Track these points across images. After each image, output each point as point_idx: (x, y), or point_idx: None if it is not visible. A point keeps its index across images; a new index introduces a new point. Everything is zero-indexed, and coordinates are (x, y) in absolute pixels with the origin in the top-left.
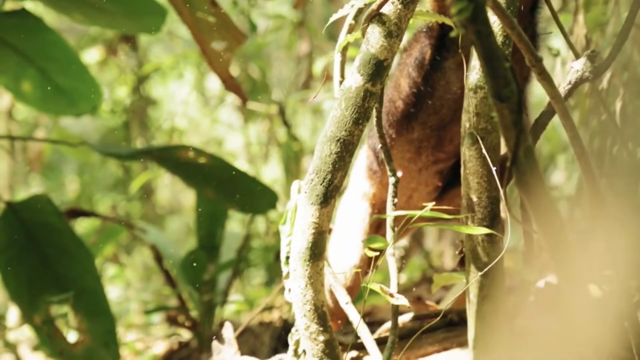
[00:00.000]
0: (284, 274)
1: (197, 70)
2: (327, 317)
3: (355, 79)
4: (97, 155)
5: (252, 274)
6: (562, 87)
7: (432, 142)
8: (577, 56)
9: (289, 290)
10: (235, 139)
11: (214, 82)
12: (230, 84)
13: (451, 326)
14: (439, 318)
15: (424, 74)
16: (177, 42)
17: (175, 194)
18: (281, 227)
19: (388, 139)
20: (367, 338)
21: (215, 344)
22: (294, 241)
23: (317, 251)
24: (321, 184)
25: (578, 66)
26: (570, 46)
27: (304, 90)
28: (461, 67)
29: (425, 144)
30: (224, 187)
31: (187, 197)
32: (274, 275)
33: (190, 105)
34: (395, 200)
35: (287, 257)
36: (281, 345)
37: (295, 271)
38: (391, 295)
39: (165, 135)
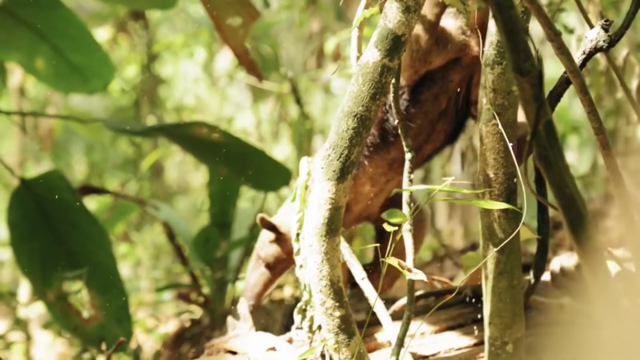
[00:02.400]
0: (294, 251)
1: (207, 49)
2: (343, 292)
3: (372, 54)
4: (107, 134)
5: None
6: (577, 58)
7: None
8: (591, 28)
9: (300, 266)
10: (245, 117)
11: (223, 62)
12: (245, 60)
13: (466, 302)
14: (453, 294)
15: (404, 110)
16: (186, 22)
17: (182, 174)
18: (291, 205)
19: (367, 152)
20: (383, 314)
21: (230, 319)
22: (310, 217)
23: (333, 227)
24: (338, 160)
25: (592, 35)
26: (586, 18)
27: (315, 69)
28: (437, 98)
29: (398, 163)
30: (237, 164)
31: (195, 177)
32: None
33: (200, 84)
34: (412, 176)
35: (297, 235)
36: (293, 322)
37: (312, 247)
38: (409, 270)
39: (175, 114)
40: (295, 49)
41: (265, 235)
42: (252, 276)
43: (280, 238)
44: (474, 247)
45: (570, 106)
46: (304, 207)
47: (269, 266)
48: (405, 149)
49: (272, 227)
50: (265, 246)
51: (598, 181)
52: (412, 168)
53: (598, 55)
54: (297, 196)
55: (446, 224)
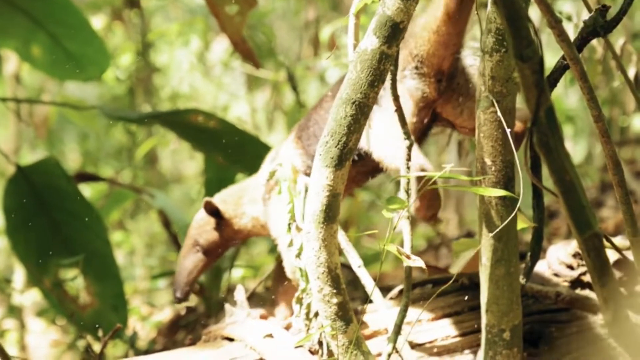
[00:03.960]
0: (287, 242)
1: (202, 38)
2: (341, 279)
3: (371, 41)
4: (102, 122)
5: (258, 240)
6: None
7: (371, 170)
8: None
9: (296, 256)
10: (239, 106)
11: (217, 51)
12: (242, 48)
13: (463, 290)
14: (450, 282)
15: None
16: (181, 10)
17: (176, 163)
18: (278, 197)
19: None
20: (380, 302)
21: (228, 306)
22: (308, 203)
23: (331, 214)
24: (336, 147)
25: (589, 21)
26: (585, 3)
27: (310, 57)
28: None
29: (354, 181)
30: (233, 151)
31: (188, 166)
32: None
33: (195, 73)
34: (410, 163)
35: (289, 225)
36: None
37: (309, 234)
38: (407, 257)
39: (169, 103)
40: (290, 37)
41: (204, 220)
42: (188, 262)
43: (221, 223)
44: (469, 235)
45: (565, 95)
46: (293, 198)
47: (206, 252)
48: (404, 136)
49: (216, 213)
50: (204, 232)
51: (593, 171)
52: (409, 155)
53: (595, 43)
54: (285, 187)
55: (441, 212)
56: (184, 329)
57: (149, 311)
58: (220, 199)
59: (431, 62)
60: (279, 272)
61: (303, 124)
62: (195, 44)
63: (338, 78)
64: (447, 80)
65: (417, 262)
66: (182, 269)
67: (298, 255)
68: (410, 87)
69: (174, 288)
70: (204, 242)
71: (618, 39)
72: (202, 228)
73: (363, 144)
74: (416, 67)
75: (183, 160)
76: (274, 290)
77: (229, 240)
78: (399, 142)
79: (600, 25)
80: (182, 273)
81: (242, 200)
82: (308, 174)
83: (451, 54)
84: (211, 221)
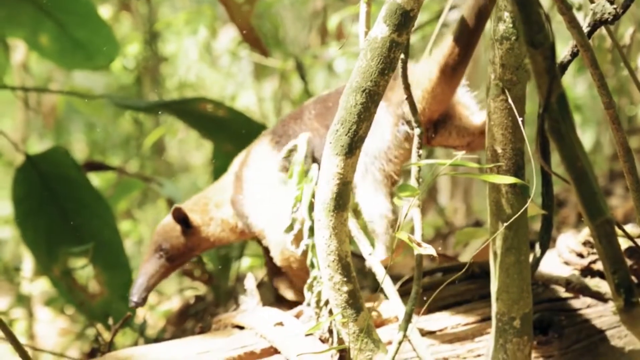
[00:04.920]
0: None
1: (210, 27)
2: (351, 267)
3: (381, 29)
4: (109, 111)
5: None
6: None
7: None
8: None
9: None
10: (247, 95)
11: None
12: (250, 36)
13: (473, 278)
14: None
15: None
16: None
17: (183, 153)
18: (288, 181)
19: None
20: (390, 290)
21: (242, 297)
22: (318, 192)
23: (341, 202)
24: (346, 135)
25: (598, 8)
26: None
27: (317, 46)
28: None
29: None
30: (241, 139)
31: (195, 156)
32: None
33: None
34: (420, 151)
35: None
36: None
37: (320, 222)
38: (419, 245)
39: (177, 93)
40: (296, 27)
41: (171, 227)
42: (149, 267)
43: (188, 232)
44: (477, 224)
45: (572, 85)
46: (303, 184)
47: (170, 258)
48: (414, 124)
49: (184, 220)
50: (170, 238)
51: (601, 160)
52: (421, 144)
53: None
54: (295, 173)
55: (449, 201)
56: (193, 317)
57: (156, 300)
58: (187, 208)
59: (424, 116)
60: (271, 266)
61: (280, 131)
62: (203, 33)
63: (315, 98)
64: (438, 124)
65: (429, 250)
66: (143, 274)
67: (309, 238)
68: (400, 133)
69: (132, 292)
70: (168, 249)
71: (627, 28)
72: (168, 234)
73: None
74: (408, 122)
75: (190, 150)
76: (273, 284)
77: (194, 249)
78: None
79: (608, 12)
80: (142, 277)
81: (209, 206)
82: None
83: (444, 107)
84: (178, 228)
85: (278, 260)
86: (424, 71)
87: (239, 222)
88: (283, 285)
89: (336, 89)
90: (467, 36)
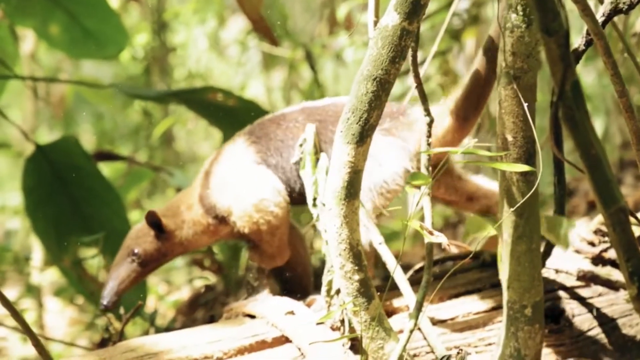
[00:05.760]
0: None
1: (218, 17)
2: (363, 256)
3: (392, 17)
4: (118, 101)
5: None
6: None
7: None
8: None
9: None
10: (255, 85)
11: (233, 30)
12: (260, 25)
13: (484, 267)
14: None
15: None
16: None
17: (191, 144)
18: (302, 173)
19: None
20: (401, 279)
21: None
22: (329, 180)
23: (352, 190)
24: (357, 123)
25: None
26: None
27: (325, 36)
28: None
29: None
30: None
31: (204, 147)
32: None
33: (211, 52)
34: (430, 140)
35: (314, 200)
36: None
37: (331, 210)
38: (430, 233)
39: (185, 83)
40: (304, 17)
41: (144, 232)
42: (121, 271)
43: (162, 236)
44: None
45: (581, 74)
46: (315, 172)
47: (142, 263)
48: (424, 112)
49: (158, 225)
50: (143, 242)
51: (610, 149)
52: (430, 133)
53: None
54: (307, 162)
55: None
56: (203, 307)
57: (166, 290)
58: (160, 213)
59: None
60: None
61: (259, 132)
62: (211, 23)
63: (300, 106)
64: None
65: (440, 238)
66: (114, 278)
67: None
68: (401, 170)
69: (102, 295)
70: (141, 254)
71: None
72: (141, 239)
73: None
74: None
75: (198, 141)
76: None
77: (167, 254)
78: None
79: (623, 1)
80: (113, 281)
81: (180, 209)
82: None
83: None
84: (151, 233)
85: (246, 228)
86: (435, 116)
87: (209, 218)
88: (256, 256)
89: (323, 103)
90: (480, 87)
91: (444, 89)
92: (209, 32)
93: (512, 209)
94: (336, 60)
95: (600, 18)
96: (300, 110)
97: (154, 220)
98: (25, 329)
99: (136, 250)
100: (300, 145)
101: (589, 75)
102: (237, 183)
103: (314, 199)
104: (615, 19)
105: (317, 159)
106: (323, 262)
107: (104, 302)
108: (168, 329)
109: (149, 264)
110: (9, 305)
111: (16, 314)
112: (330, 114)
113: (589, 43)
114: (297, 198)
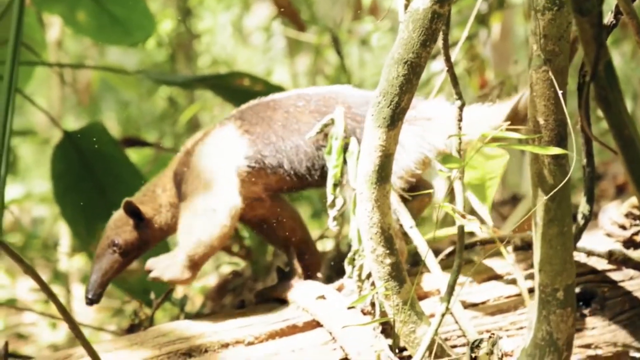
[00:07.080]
0: (329, 202)
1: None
2: (394, 240)
3: (422, 0)
4: (144, 88)
5: (304, 204)
6: None
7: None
8: None
9: (333, 219)
10: (280, 72)
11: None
12: (288, 10)
13: (515, 250)
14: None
15: None
16: None
17: None
18: (327, 157)
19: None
20: (432, 263)
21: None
22: (361, 164)
23: (383, 174)
24: (388, 107)
25: None
26: None
27: (350, 22)
28: None
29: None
30: None
31: None
32: (325, 205)
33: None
34: (461, 123)
35: (334, 185)
36: (334, 273)
37: (362, 194)
38: (463, 217)
39: (210, 69)
40: (327, 2)
41: (123, 221)
42: (103, 262)
43: (141, 224)
44: (514, 198)
45: None
46: (341, 158)
47: (123, 253)
48: (455, 96)
49: (137, 214)
50: (123, 232)
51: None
52: (461, 116)
53: None
54: (334, 147)
55: None
56: (232, 292)
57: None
58: (137, 201)
59: None
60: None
61: (253, 118)
62: (236, 9)
63: (296, 93)
64: None
65: (473, 222)
66: (97, 270)
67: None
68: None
69: (86, 289)
70: (121, 244)
71: None
72: (120, 229)
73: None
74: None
75: None
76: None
77: (148, 241)
78: None
79: None
80: (96, 274)
81: (156, 192)
82: (252, 167)
83: None
84: (130, 222)
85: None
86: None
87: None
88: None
89: (315, 91)
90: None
91: (470, 74)
92: (233, 19)
93: (544, 193)
94: (362, 46)
95: None
96: (297, 96)
97: (131, 209)
98: (61, 311)
99: (116, 241)
100: (325, 126)
101: (614, 59)
102: (210, 180)
103: (334, 184)
104: None
105: (347, 144)
106: (349, 247)
107: (89, 295)
108: (198, 315)
109: (130, 253)
110: (47, 289)
111: (54, 298)
112: (331, 102)
113: (617, 20)
114: (300, 180)
